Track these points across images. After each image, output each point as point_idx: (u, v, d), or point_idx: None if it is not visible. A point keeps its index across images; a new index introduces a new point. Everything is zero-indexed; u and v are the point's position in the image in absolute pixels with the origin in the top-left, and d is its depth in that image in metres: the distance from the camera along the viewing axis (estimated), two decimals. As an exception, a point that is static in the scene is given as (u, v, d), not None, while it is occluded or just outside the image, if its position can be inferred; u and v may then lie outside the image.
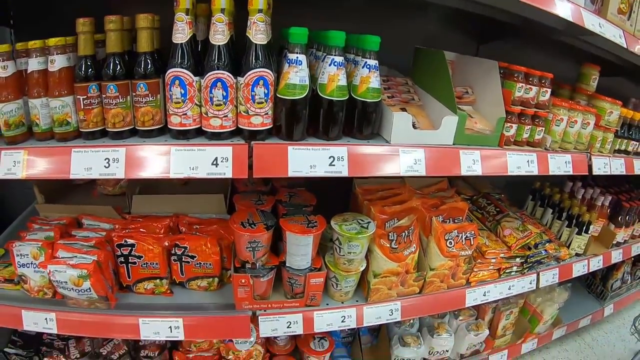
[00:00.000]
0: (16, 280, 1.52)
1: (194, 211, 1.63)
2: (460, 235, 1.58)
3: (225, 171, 1.15)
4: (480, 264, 1.66)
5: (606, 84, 2.11)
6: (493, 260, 1.68)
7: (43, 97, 1.19)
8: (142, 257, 1.49)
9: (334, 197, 1.62)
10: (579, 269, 1.99)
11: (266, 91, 1.16)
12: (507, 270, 1.74)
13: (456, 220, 1.63)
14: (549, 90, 1.57)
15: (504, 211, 1.86)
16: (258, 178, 1.72)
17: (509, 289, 1.76)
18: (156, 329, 1.42)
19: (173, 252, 1.50)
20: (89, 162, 1.15)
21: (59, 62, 1.16)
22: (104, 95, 1.18)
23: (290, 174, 1.18)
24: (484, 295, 1.70)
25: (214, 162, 1.15)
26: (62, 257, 1.42)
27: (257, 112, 1.17)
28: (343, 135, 1.30)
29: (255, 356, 1.75)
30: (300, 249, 1.37)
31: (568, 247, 1.97)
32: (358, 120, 1.28)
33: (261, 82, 1.15)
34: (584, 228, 1.96)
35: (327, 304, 1.53)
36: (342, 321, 1.52)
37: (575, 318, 2.28)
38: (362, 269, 1.47)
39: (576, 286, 2.36)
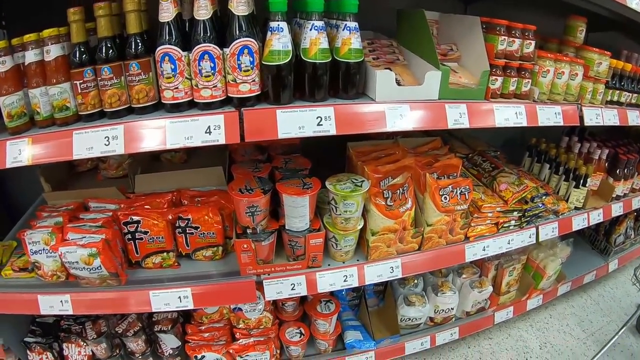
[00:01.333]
0: (30, 268, 1.60)
1: (194, 185, 1.70)
2: (455, 190, 1.61)
3: (219, 138, 1.21)
4: (477, 219, 1.70)
5: (599, 40, 2.10)
6: (489, 214, 1.72)
7: (42, 86, 1.26)
8: (148, 232, 1.56)
9: (330, 162, 1.67)
10: (579, 223, 2.01)
11: (251, 59, 1.21)
12: (505, 225, 1.78)
13: (450, 177, 1.67)
14: (533, 42, 1.58)
15: (499, 167, 1.89)
16: (255, 148, 1.79)
17: (509, 243, 1.79)
18: (166, 300, 1.50)
19: (177, 224, 1.58)
20: (89, 142, 1.21)
21: (54, 51, 1.23)
22: (99, 78, 1.24)
23: (280, 135, 1.23)
24: (484, 250, 1.74)
25: (207, 131, 1.21)
26: (71, 239, 1.49)
27: (244, 79, 1.22)
28: (330, 97, 1.35)
29: (265, 323, 1.83)
30: (297, 210, 1.43)
31: (566, 201, 1.99)
32: (343, 81, 1.32)
33: (246, 51, 1.20)
34: (581, 181, 1.97)
35: (329, 265, 1.59)
36: (345, 280, 1.58)
37: (579, 274, 2.30)
38: (359, 227, 1.53)
39: (580, 243, 2.38)
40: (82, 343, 1.83)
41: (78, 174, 1.93)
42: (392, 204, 1.55)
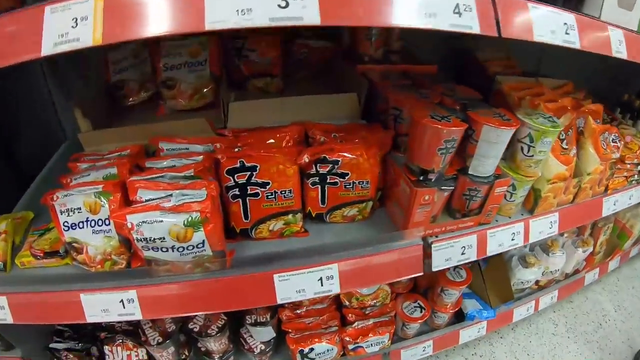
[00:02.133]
0: (62, 251, 1.05)
1: (315, 118, 1.24)
2: (609, 137, 1.44)
3: (471, 24, 0.83)
4: (619, 170, 1.56)
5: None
6: (628, 166, 1.59)
7: None
8: (268, 183, 1.09)
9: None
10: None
11: None
12: (630, 179, 1.67)
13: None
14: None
15: (615, 119, 1.78)
16: (399, 73, 1.41)
17: (630, 198, 1.68)
18: (299, 285, 1.08)
19: (313, 171, 1.14)
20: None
21: None
22: None
23: (535, 37, 0.91)
24: (614, 204, 1.60)
25: (456, 10, 0.82)
26: (147, 200, 0.97)
27: (501, -55, 0.85)
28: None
29: (382, 298, 1.48)
30: (495, 148, 1.11)
31: (659, 157, 1.96)
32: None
33: None
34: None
35: (497, 221, 1.30)
36: (512, 239, 1.32)
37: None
38: (540, 173, 1.27)
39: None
40: (131, 345, 1.30)
41: (123, 109, 1.32)
42: (566, 147, 1.31)
